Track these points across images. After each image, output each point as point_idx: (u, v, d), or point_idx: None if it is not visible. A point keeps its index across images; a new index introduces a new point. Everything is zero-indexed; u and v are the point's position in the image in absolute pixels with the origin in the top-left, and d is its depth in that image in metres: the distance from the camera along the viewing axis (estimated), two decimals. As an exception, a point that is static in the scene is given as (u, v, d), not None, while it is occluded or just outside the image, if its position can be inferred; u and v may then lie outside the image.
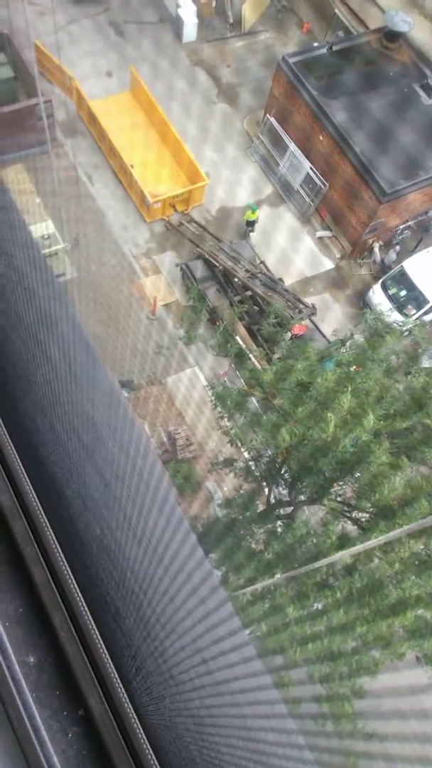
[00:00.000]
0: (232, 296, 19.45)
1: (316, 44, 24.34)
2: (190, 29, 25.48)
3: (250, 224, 21.29)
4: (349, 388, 8.77)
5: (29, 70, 21.13)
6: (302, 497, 11.08)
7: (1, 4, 21.79)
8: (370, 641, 8.58)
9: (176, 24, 25.58)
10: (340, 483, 10.23)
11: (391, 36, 22.29)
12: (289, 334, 18.12)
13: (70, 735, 2.23)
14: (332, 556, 8.26)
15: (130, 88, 23.54)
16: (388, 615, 8.29)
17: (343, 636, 8.64)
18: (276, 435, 9.15)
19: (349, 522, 10.34)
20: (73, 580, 2.39)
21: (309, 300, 20.00)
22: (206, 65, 25.53)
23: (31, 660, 2.32)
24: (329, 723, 9.51)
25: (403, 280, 20.51)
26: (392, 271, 20.95)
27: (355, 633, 8.44)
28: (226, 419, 11.23)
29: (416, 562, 8.88)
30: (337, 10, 25.29)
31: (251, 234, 21.45)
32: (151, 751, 2.17)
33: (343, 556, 8.43)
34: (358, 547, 8.21)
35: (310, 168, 21.65)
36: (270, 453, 10.96)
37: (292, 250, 21.93)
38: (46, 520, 2.48)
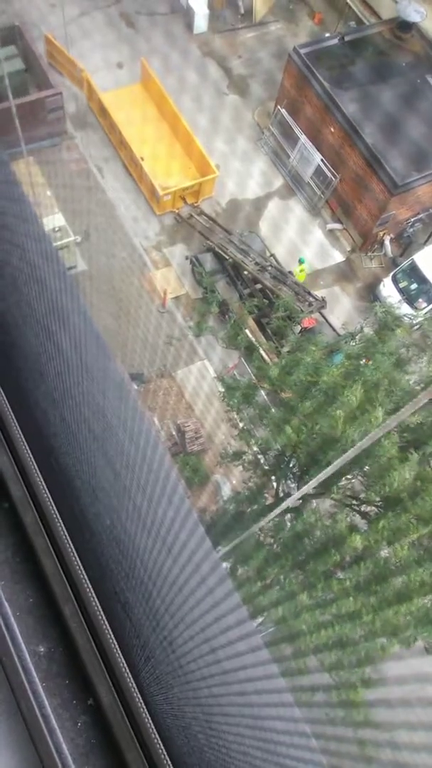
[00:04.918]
0: (241, 289, 19.42)
1: (327, 35, 24.14)
2: (201, 20, 25.35)
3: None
4: (359, 382, 8.75)
5: (40, 63, 21.14)
6: (311, 490, 11.08)
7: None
8: (378, 629, 8.59)
9: (187, 15, 25.46)
10: (349, 477, 10.23)
11: (404, 26, 22.10)
12: (298, 327, 18.11)
13: (79, 724, 2.25)
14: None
15: (140, 80, 23.47)
16: (395, 603, 8.30)
17: (351, 624, 8.66)
18: (283, 431, 9.16)
19: (357, 515, 10.34)
20: (83, 571, 2.41)
21: (319, 293, 19.93)
22: (217, 56, 25.40)
23: (42, 649, 2.35)
24: (337, 711, 9.55)
25: (413, 273, 20.40)
26: (403, 264, 20.85)
27: (363, 621, 8.46)
28: (235, 413, 11.25)
29: (422, 552, 8.89)
30: (348, 0, 25.09)
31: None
32: (160, 740, 2.19)
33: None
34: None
35: (321, 160, 21.53)
36: (278, 446, 10.97)
37: (302, 242, 21.84)
38: (57, 512, 2.50)
